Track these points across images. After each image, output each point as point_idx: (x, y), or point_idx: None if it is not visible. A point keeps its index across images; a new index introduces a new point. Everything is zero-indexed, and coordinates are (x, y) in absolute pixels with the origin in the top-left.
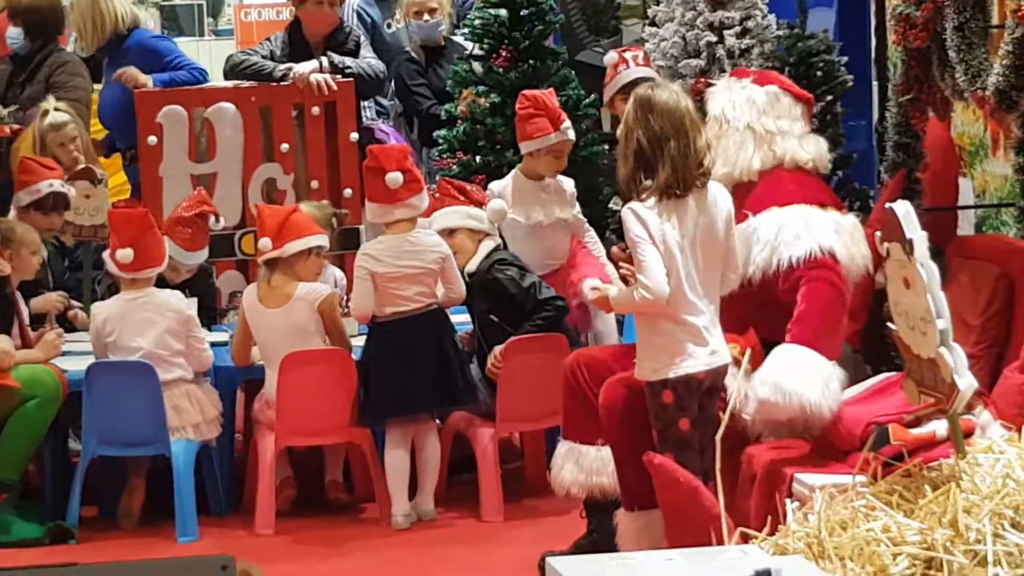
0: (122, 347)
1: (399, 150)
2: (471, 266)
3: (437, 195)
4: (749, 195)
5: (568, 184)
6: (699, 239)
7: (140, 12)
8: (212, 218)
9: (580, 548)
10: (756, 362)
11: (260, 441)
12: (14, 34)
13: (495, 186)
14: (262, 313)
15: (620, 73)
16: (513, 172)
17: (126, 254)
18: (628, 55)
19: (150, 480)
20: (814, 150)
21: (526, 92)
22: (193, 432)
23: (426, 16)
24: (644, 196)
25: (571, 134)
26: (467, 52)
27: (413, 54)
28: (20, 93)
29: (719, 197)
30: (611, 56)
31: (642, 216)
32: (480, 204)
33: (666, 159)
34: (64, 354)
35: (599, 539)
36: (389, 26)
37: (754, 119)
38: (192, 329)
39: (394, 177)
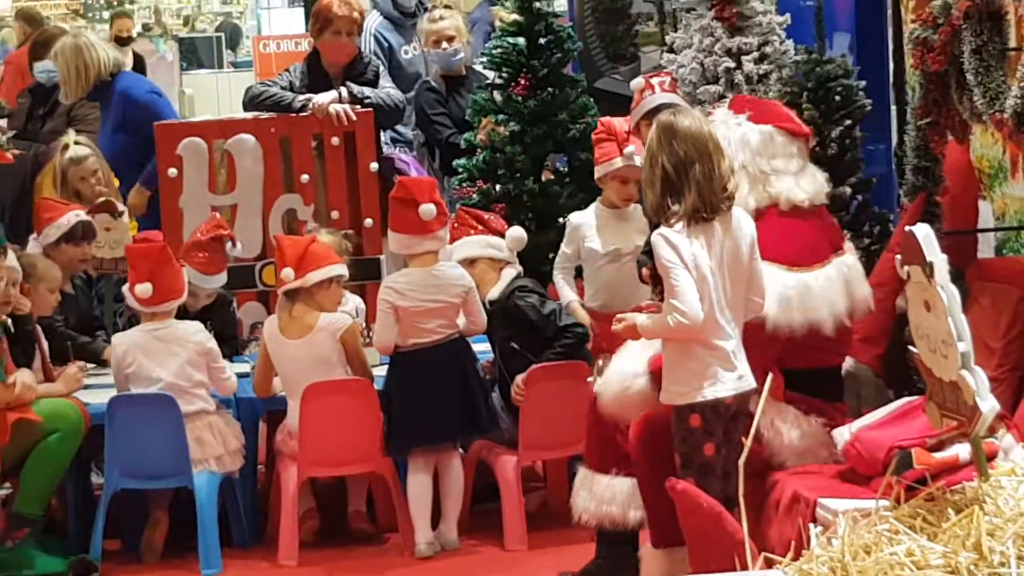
0: (143, 378)
1: (428, 182)
2: (492, 294)
3: (456, 225)
4: None
5: None
6: (726, 262)
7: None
8: (229, 243)
9: (588, 572)
10: (777, 388)
11: (283, 472)
12: (51, 67)
13: (574, 217)
14: (283, 344)
15: (645, 99)
16: (595, 202)
17: (145, 289)
18: (655, 80)
19: (173, 513)
20: (810, 187)
21: (603, 119)
22: (216, 464)
23: (444, 44)
24: (673, 221)
25: (637, 160)
26: (488, 81)
27: (433, 83)
28: (40, 127)
29: (743, 221)
30: (637, 81)
31: (673, 241)
32: (499, 233)
33: (692, 183)
34: (86, 387)
35: (606, 565)
36: (406, 52)
37: (748, 159)
38: (213, 359)
39: (428, 209)
